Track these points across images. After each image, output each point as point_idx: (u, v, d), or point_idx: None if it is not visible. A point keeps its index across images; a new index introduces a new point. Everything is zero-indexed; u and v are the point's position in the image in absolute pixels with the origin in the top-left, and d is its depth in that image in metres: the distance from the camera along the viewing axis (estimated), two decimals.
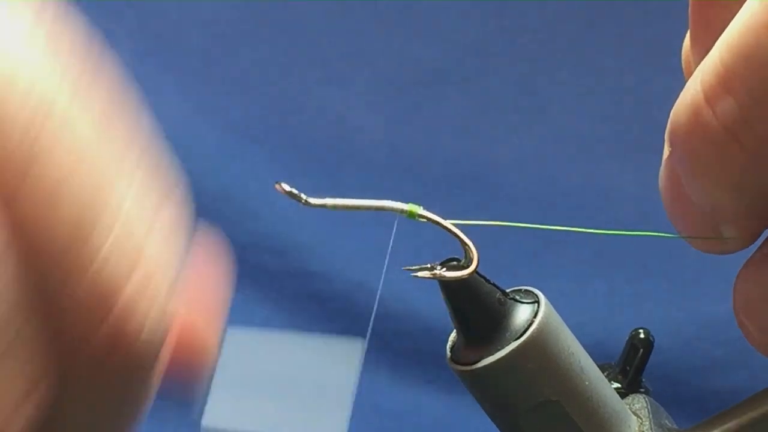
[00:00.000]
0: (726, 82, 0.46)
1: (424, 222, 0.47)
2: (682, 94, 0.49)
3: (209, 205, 1.08)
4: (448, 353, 0.53)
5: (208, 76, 1.09)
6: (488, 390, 0.53)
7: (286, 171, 1.07)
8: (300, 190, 0.45)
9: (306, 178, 1.07)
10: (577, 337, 0.53)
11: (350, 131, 1.07)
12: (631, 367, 0.59)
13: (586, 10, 1.05)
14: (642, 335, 0.60)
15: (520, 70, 1.06)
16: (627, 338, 0.60)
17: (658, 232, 0.54)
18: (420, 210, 0.48)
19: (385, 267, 0.49)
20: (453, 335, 0.54)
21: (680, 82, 0.51)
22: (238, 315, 1.14)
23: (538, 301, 0.53)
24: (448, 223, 0.48)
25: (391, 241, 0.47)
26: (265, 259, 1.08)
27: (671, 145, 0.50)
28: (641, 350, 0.59)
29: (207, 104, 1.09)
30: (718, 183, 0.49)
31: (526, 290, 0.53)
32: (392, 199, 0.48)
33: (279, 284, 1.08)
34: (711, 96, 0.47)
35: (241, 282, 1.13)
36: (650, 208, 1.06)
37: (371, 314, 1.06)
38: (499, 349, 0.51)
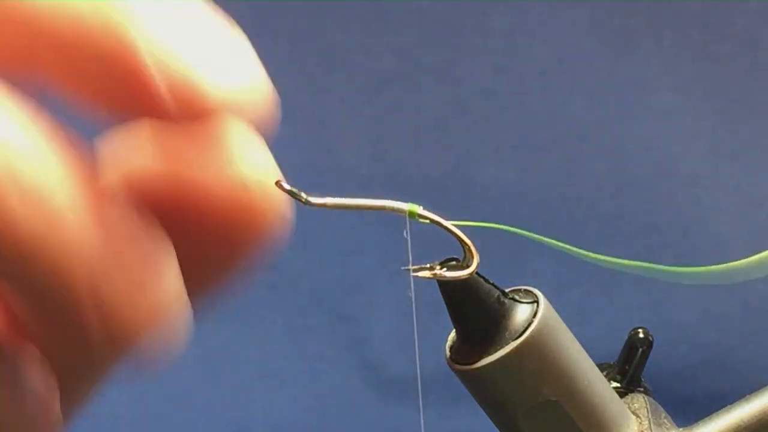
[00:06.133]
0: None
1: (426, 223, 0.47)
2: None
3: None
4: (447, 353, 0.53)
5: None
6: (488, 390, 0.52)
7: None
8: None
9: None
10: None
11: (330, 135, 1.06)
12: (630, 366, 0.59)
13: None
14: (641, 335, 0.60)
15: (495, 52, 1.05)
16: (626, 338, 0.60)
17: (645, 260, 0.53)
18: (420, 210, 0.48)
19: (410, 271, 0.49)
20: (452, 335, 0.53)
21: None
22: (234, 323, 1.13)
23: (537, 301, 0.52)
24: (448, 224, 0.48)
25: (408, 239, 0.46)
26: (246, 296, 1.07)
27: None
28: (640, 349, 0.59)
29: None
30: None
31: (525, 290, 0.53)
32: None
33: (273, 289, 1.07)
34: None
35: (223, 318, 1.12)
36: (629, 202, 1.06)
37: (369, 316, 1.06)
38: (499, 349, 0.51)
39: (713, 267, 0.52)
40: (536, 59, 1.05)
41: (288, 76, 1.06)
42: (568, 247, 0.53)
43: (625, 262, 0.54)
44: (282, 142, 1.17)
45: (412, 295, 0.48)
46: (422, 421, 0.51)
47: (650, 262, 0.53)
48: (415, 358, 0.49)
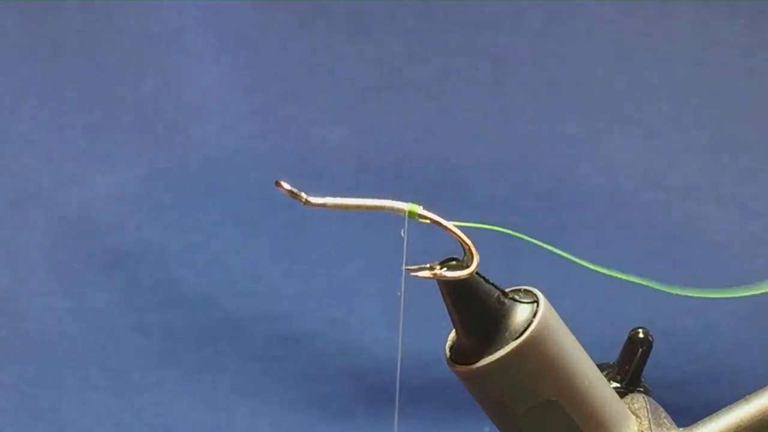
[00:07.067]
0: None
1: (426, 222, 0.47)
2: None
3: (175, 257, 1.07)
4: (447, 353, 0.53)
5: (164, 113, 1.07)
6: (487, 390, 0.52)
7: (253, 206, 1.06)
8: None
9: (275, 202, 1.05)
10: None
11: (315, 147, 1.07)
12: (630, 366, 0.59)
13: (549, 2, 1.05)
14: (641, 335, 0.59)
15: (482, 67, 1.05)
16: (626, 338, 0.60)
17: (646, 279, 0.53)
18: (420, 210, 0.48)
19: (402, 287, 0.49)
20: (452, 335, 0.53)
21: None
22: (210, 366, 1.14)
23: (537, 301, 0.52)
24: (449, 224, 0.48)
25: (405, 238, 0.46)
26: (233, 307, 1.07)
27: None
28: (640, 350, 0.59)
29: (166, 148, 1.07)
30: None
31: (525, 290, 0.53)
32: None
33: (249, 330, 1.07)
34: None
35: (211, 332, 1.13)
36: (622, 208, 1.06)
37: (345, 351, 1.06)
38: (499, 349, 0.51)
39: (720, 290, 0.52)
40: (527, 73, 1.05)
41: (274, 85, 1.06)
42: (565, 254, 0.53)
43: (618, 274, 0.54)
44: (268, 149, 1.15)
45: (402, 294, 0.48)
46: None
47: (642, 278, 0.53)
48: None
